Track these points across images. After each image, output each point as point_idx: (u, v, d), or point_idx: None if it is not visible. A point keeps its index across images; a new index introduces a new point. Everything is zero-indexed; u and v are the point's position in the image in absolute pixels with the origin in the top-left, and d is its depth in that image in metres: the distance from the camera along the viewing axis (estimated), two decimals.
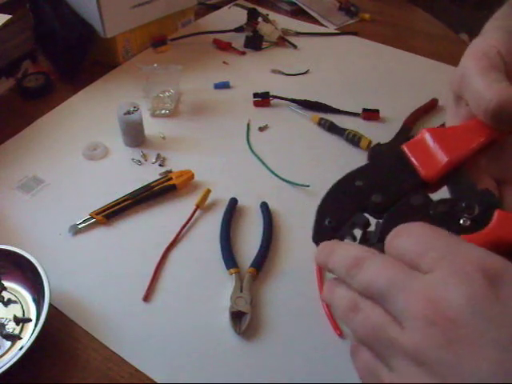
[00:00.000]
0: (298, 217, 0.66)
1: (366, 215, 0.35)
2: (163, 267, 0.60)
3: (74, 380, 0.49)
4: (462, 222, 0.30)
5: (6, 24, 0.81)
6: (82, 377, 0.50)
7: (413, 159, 0.35)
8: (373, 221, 0.35)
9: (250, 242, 0.63)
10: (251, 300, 0.55)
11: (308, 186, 0.70)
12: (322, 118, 0.82)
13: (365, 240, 0.35)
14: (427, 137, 0.35)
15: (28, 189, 0.70)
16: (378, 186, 0.35)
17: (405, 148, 0.35)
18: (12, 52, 0.87)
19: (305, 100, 0.85)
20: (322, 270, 0.60)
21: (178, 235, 0.63)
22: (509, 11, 0.44)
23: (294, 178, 0.71)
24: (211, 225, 0.65)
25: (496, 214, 0.30)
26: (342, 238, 0.35)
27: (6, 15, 0.81)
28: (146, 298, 0.57)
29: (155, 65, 0.84)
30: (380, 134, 0.78)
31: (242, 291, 0.56)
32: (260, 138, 0.80)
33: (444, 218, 0.31)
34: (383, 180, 0.35)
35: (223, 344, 0.53)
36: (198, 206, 0.66)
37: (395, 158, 0.36)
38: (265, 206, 0.66)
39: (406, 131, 0.79)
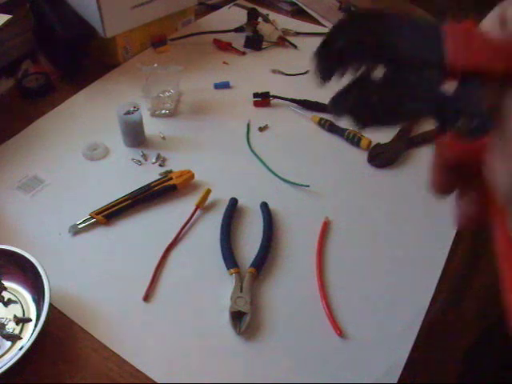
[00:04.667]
0: (298, 217, 0.66)
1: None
2: (163, 267, 0.60)
3: (74, 380, 0.49)
4: (459, 123, 0.30)
5: (5, 24, 0.81)
6: (81, 377, 0.50)
7: (447, 40, 0.30)
8: None
9: (249, 242, 0.63)
10: (251, 300, 0.55)
11: (308, 186, 0.70)
12: (322, 118, 0.82)
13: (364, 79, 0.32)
14: (473, 31, 0.31)
15: (28, 189, 0.70)
16: (405, 40, 0.32)
17: (444, 28, 0.31)
18: (12, 52, 0.87)
19: (305, 100, 0.85)
20: (321, 271, 0.60)
21: (178, 235, 0.63)
22: None
23: (293, 178, 0.71)
24: (211, 225, 0.65)
25: (486, 136, 0.29)
26: (346, 64, 0.32)
27: (6, 15, 0.81)
28: (146, 298, 0.57)
29: (155, 65, 0.84)
30: (380, 134, 0.78)
31: (242, 291, 0.56)
32: (260, 138, 0.80)
33: (446, 111, 0.30)
34: (413, 39, 0.32)
35: (223, 344, 0.53)
36: (198, 206, 0.66)
37: (433, 31, 0.32)
38: (265, 206, 0.66)
39: (407, 131, 0.79)
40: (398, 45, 0.31)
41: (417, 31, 0.32)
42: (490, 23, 0.33)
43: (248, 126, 0.82)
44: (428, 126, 0.78)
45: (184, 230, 0.64)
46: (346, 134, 0.78)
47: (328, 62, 0.32)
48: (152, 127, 0.80)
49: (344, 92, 0.32)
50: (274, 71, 0.95)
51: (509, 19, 0.31)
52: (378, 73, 0.32)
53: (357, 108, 0.33)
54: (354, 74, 0.32)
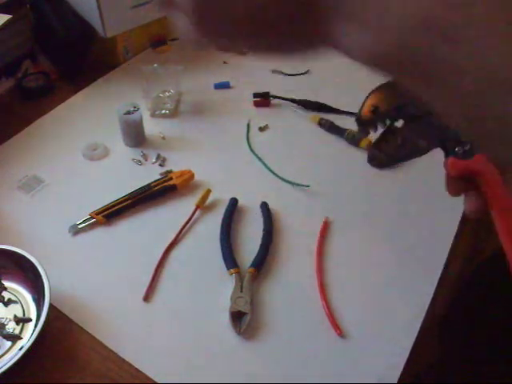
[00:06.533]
0: (298, 217, 0.66)
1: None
2: (163, 267, 0.60)
3: (74, 380, 0.49)
4: (456, 149, 0.47)
5: (5, 24, 0.81)
6: (81, 377, 0.50)
7: None
8: None
9: (250, 242, 0.63)
10: (251, 300, 0.55)
11: (308, 186, 0.70)
12: (322, 118, 0.82)
13: (387, 134, 0.49)
14: None
15: (28, 189, 0.70)
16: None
17: None
18: (12, 52, 0.87)
19: (305, 100, 0.85)
20: (321, 271, 0.60)
21: (178, 235, 0.63)
22: None
23: (294, 178, 0.71)
24: (211, 225, 0.65)
25: (476, 155, 0.45)
26: (376, 122, 0.49)
27: (6, 15, 0.81)
28: (146, 298, 0.57)
29: (155, 65, 0.84)
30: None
31: (242, 291, 0.56)
32: (260, 138, 0.80)
33: (447, 143, 0.47)
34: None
35: (223, 344, 0.53)
36: (198, 206, 0.66)
37: None
38: (265, 206, 0.66)
39: None
40: (409, 105, 0.47)
41: None
42: None
43: (248, 125, 0.82)
44: None
45: (184, 230, 0.64)
46: (346, 134, 0.78)
47: (365, 123, 0.49)
48: (152, 127, 0.80)
49: (378, 143, 0.50)
50: (274, 71, 0.95)
51: None
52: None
53: (388, 149, 0.50)
54: (384, 125, 0.49)
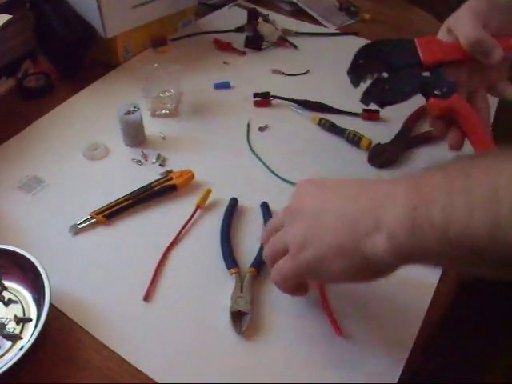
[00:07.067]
0: None
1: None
2: (163, 267, 0.60)
3: (74, 380, 0.49)
4: (436, 92, 0.59)
5: (5, 24, 0.81)
6: (82, 377, 0.50)
7: (419, 48, 0.61)
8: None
9: (250, 242, 0.63)
10: (251, 300, 0.55)
11: None
12: (322, 118, 0.82)
13: (378, 79, 0.62)
14: (433, 40, 0.61)
15: (28, 189, 0.70)
16: (395, 53, 0.61)
17: (416, 41, 0.61)
18: (12, 52, 0.87)
19: (305, 100, 0.86)
20: None
21: (178, 235, 0.63)
22: None
23: (294, 178, 0.71)
24: (211, 225, 0.65)
25: (454, 95, 0.59)
26: (366, 74, 0.63)
27: (6, 15, 0.81)
28: (147, 297, 0.57)
29: (155, 65, 0.84)
30: (380, 134, 0.78)
31: (242, 291, 0.56)
32: (260, 138, 0.80)
33: (427, 87, 0.60)
34: (399, 52, 0.61)
35: (223, 344, 0.53)
36: (198, 206, 0.66)
37: (411, 43, 0.61)
38: (265, 206, 0.67)
39: (407, 131, 0.79)
40: (391, 59, 0.61)
41: (400, 48, 0.61)
42: (443, 32, 0.62)
43: (248, 125, 0.82)
44: (427, 127, 0.78)
45: (184, 230, 0.64)
46: (346, 134, 0.78)
47: (355, 74, 0.63)
48: (152, 127, 0.80)
49: (369, 89, 0.62)
50: (274, 71, 0.95)
51: (451, 29, 0.60)
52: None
53: (378, 96, 0.62)
54: (372, 76, 0.62)
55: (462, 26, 0.58)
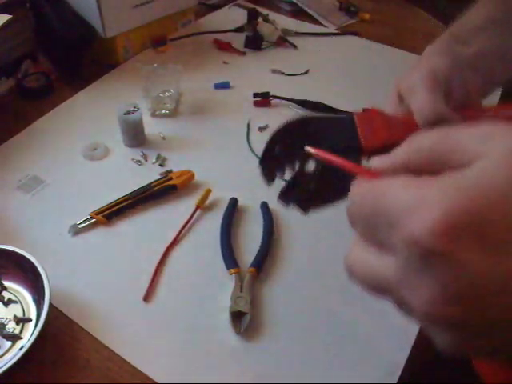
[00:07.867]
0: (298, 217, 0.66)
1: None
2: (163, 267, 0.60)
3: (74, 380, 0.49)
4: None
5: (5, 24, 0.81)
6: (82, 377, 0.50)
7: (359, 127, 0.44)
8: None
9: (250, 242, 0.63)
10: (251, 300, 0.55)
11: None
12: None
13: (300, 174, 0.44)
14: (376, 115, 0.45)
15: (28, 189, 0.70)
16: (327, 136, 0.44)
17: (355, 117, 0.44)
18: (12, 52, 0.87)
19: (305, 100, 0.85)
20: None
21: (178, 235, 0.63)
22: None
23: None
24: (211, 225, 0.65)
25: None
26: (283, 166, 0.45)
27: (6, 15, 0.81)
28: (146, 297, 0.57)
29: (155, 65, 0.84)
30: None
31: (242, 291, 0.56)
32: (260, 138, 0.80)
33: None
34: (333, 134, 0.44)
35: (223, 344, 0.53)
36: (198, 206, 0.66)
37: (348, 121, 0.44)
38: (265, 206, 0.66)
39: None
40: (320, 142, 0.43)
41: (334, 128, 0.44)
42: (392, 100, 0.48)
43: (248, 125, 0.82)
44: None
45: (184, 230, 0.64)
46: None
47: (269, 166, 0.46)
48: (152, 127, 0.80)
49: (287, 186, 0.44)
50: (273, 71, 0.95)
51: (404, 96, 0.45)
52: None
53: (300, 198, 0.44)
54: (293, 169, 0.44)
55: (416, 96, 0.43)
